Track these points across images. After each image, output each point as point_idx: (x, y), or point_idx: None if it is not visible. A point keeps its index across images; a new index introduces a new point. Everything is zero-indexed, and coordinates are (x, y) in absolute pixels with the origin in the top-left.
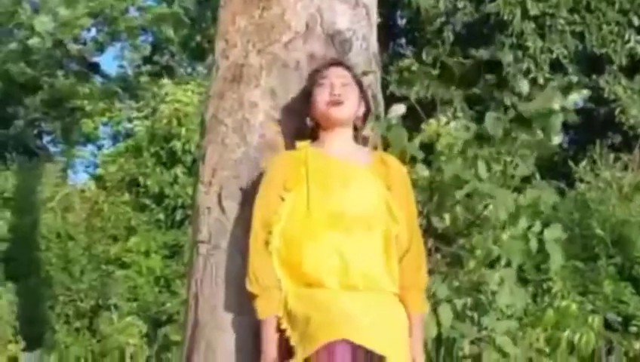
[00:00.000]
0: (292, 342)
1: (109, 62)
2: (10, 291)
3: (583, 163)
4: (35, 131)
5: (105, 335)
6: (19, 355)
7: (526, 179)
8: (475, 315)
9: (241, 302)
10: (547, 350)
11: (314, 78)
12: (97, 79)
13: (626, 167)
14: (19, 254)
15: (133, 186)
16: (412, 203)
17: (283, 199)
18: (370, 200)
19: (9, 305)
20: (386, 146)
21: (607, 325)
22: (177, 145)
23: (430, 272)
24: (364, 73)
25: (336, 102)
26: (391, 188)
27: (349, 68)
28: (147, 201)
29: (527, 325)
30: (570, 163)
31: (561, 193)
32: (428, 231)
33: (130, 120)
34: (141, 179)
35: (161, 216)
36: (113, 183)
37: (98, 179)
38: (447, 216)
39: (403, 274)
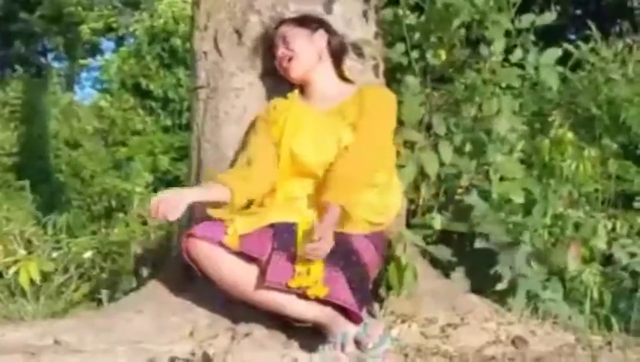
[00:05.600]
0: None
1: None
2: (25, 199)
3: (589, 45)
4: (40, 48)
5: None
6: None
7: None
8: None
9: (240, 138)
10: (544, 180)
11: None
12: None
13: (630, 50)
14: (29, 163)
15: (138, 91)
16: (377, 115)
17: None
18: (329, 147)
19: (27, 215)
20: None
21: (614, 204)
22: (177, 42)
23: (429, 111)
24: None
25: (285, 64)
26: (360, 114)
27: (290, 19)
28: (153, 104)
29: (526, 155)
30: (577, 45)
31: (564, 79)
32: (425, 69)
33: (127, 26)
34: (143, 82)
35: (168, 122)
36: (117, 87)
37: (103, 88)
38: (442, 52)
39: (332, 166)
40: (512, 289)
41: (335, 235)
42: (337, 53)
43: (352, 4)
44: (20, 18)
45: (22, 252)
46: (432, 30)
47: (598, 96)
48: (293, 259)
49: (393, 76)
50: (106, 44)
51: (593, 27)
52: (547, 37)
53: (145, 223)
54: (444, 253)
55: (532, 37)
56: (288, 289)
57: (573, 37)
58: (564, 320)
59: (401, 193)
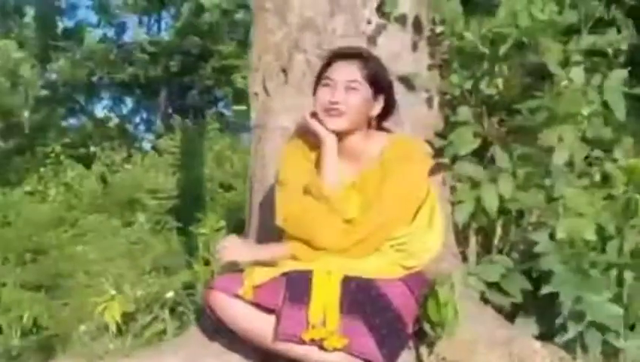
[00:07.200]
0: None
1: None
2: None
3: None
4: (211, 98)
5: None
6: None
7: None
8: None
9: None
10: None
11: (321, 73)
12: None
13: None
14: (185, 206)
15: None
16: (395, 184)
17: None
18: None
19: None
20: None
21: None
22: None
23: (489, 142)
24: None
25: (330, 113)
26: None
27: (363, 61)
28: None
29: (594, 186)
30: None
31: None
32: (482, 99)
33: None
34: None
35: None
36: None
37: None
38: (499, 81)
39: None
40: (582, 336)
41: (358, 281)
42: (381, 118)
43: (400, 36)
44: (192, 71)
45: (112, 292)
46: (483, 59)
47: None
48: (307, 309)
49: (452, 107)
50: None
51: None
52: None
53: (207, 264)
54: (502, 298)
55: None
56: (303, 341)
57: None
58: None
59: (441, 235)
